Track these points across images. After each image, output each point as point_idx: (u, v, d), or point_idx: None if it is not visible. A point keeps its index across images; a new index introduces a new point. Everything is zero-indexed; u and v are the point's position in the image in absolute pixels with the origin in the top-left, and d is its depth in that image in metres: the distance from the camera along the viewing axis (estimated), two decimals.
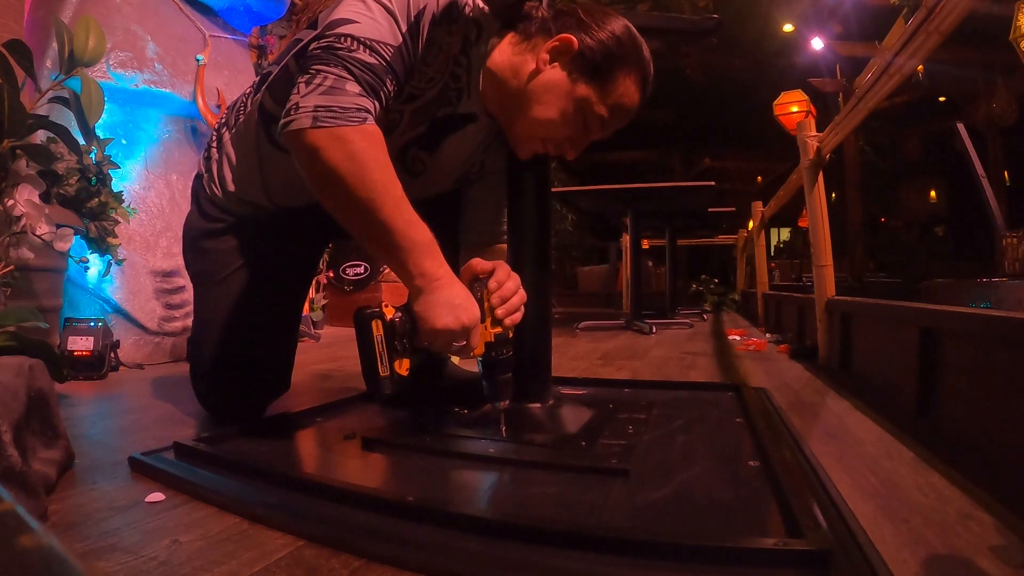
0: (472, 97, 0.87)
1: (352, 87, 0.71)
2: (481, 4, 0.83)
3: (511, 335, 0.81)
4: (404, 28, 0.75)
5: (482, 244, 1.02)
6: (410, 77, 0.80)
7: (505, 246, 0.97)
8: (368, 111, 0.72)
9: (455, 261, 0.93)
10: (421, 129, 0.90)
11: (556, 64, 0.81)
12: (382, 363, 0.72)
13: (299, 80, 0.72)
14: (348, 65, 0.71)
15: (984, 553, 0.52)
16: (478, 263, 0.81)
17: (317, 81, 0.70)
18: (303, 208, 0.95)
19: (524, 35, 0.83)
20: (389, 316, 0.73)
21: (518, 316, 0.81)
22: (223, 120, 1.04)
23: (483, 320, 0.77)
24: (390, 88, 0.76)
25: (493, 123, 0.91)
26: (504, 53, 0.84)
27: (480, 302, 0.77)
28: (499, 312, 0.79)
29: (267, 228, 1.02)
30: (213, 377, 1.01)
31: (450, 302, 0.72)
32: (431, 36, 0.78)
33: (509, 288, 0.80)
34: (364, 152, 0.70)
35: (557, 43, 0.80)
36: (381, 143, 0.72)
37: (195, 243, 1.05)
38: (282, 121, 0.72)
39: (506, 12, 0.84)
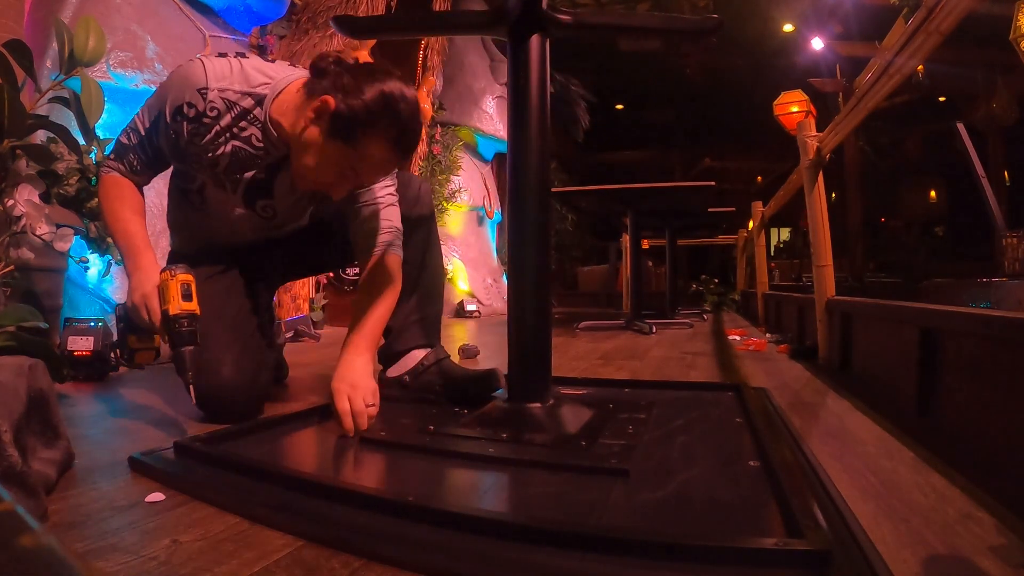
0: (277, 144, 1.01)
1: (111, 155, 1.05)
2: (240, 89, 0.98)
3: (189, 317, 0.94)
4: (147, 123, 1.01)
5: (371, 250, 1.11)
6: (179, 151, 1.01)
7: (394, 255, 1.08)
8: (110, 168, 1.05)
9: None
10: (257, 177, 1.05)
11: (318, 123, 0.93)
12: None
13: None
14: (116, 141, 1.05)
15: (984, 553, 0.52)
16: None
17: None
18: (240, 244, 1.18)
19: (308, 91, 0.95)
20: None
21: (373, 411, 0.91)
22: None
23: (165, 303, 0.93)
24: (133, 157, 1.03)
25: None
26: (287, 105, 0.97)
27: (164, 285, 0.93)
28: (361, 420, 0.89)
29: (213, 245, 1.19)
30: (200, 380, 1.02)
31: (139, 287, 0.96)
32: (188, 117, 0.97)
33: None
34: (103, 189, 1.04)
35: (319, 104, 0.91)
36: (116, 182, 1.04)
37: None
38: None
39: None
